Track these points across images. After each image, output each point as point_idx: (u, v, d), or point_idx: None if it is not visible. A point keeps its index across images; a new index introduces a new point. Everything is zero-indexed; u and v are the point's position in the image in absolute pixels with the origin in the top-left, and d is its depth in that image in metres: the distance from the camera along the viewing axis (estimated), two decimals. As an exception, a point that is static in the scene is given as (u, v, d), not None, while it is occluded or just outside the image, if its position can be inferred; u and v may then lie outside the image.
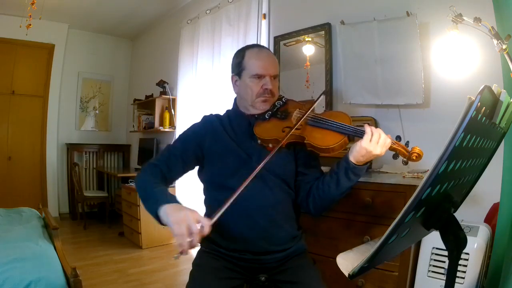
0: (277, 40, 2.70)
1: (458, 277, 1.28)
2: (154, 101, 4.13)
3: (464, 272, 1.34)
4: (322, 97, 1.33)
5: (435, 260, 1.45)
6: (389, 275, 1.50)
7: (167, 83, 4.06)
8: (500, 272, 1.11)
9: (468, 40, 1.37)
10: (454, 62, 1.45)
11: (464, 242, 0.71)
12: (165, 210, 0.97)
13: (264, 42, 2.81)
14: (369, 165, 1.17)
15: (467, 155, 0.67)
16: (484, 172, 0.90)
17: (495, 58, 1.35)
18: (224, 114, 1.35)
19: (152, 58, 4.71)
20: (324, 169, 1.29)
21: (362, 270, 0.70)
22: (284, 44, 2.67)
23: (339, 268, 0.81)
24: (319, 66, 2.42)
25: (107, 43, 5.12)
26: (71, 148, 4.73)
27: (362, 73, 2.08)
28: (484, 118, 0.64)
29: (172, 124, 3.97)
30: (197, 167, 1.30)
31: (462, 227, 0.72)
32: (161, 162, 1.20)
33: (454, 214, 0.74)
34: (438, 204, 0.70)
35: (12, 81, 4.33)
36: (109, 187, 4.88)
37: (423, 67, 1.82)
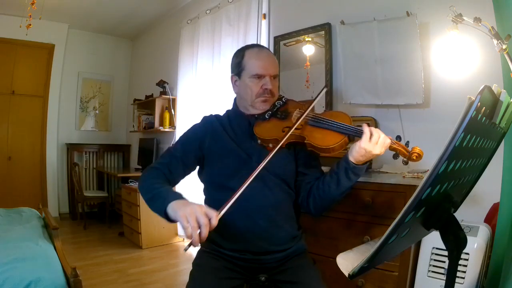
0: (277, 40, 2.70)
1: (458, 277, 1.28)
2: (154, 101, 4.13)
3: (464, 272, 1.34)
4: (323, 94, 1.32)
5: (435, 260, 1.45)
6: (389, 275, 1.50)
7: (167, 83, 4.06)
8: (500, 272, 1.11)
9: (468, 40, 1.37)
10: (454, 62, 1.45)
11: (464, 242, 0.71)
12: (173, 206, 0.98)
13: (264, 42, 2.81)
14: (369, 165, 1.17)
15: (467, 155, 0.67)
16: (484, 172, 0.90)
17: (495, 58, 1.35)
18: (224, 114, 1.35)
19: (152, 58, 4.71)
20: (324, 169, 1.30)
21: (362, 270, 0.70)
22: (284, 44, 2.67)
23: (339, 268, 0.81)
24: (319, 66, 2.42)
25: (107, 43, 5.12)
26: (71, 148, 4.73)
27: (362, 73, 2.09)
28: (484, 118, 0.64)
29: (172, 124, 3.97)
30: (198, 168, 1.31)
31: (462, 227, 0.72)
32: (162, 165, 1.21)
33: (454, 214, 0.74)
34: (438, 204, 0.70)
35: (12, 81, 4.33)
36: (109, 187, 4.88)
37: (423, 67, 1.82)
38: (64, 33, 4.59)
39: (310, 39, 2.49)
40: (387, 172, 1.83)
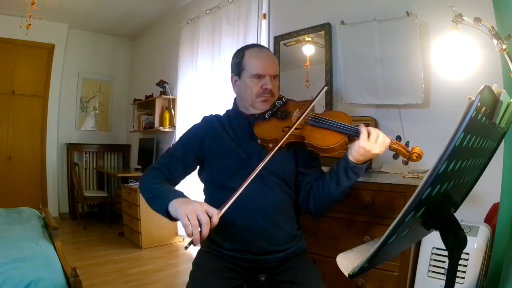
0: (277, 40, 2.70)
1: (458, 277, 1.28)
2: (154, 101, 4.13)
3: (464, 272, 1.34)
4: (323, 93, 1.32)
5: (435, 260, 1.45)
6: (389, 275, 1.50)
7: (167, 83, 4.06)
8: (500, 272, 1.11)
9: (468, 40, 1.37)
10: (454, 62, 1.45)
11: (464, 242, 0.71)
12: (174, 205, 0.98)
13: (264, 42, 2.81)
14: (368, 165, 1.17)
15: (467, 155, 0.67)
16: (484, 172, 0.90)
17: (495, 58, 1.35)
18: (224, 114, 1.35)
19: (152, 58, 4.71)
20: (324, 169, 1.30)
21: (362, 270, 0.70)
22: (284, 44, 2.67)
23: (339, 268, 0.81)
24: (319, 66, 2.42)
25: (107, 43, 5.13)
26: (71, 148, 4.73)
27: (362, 73, 2.09)
28: (484, 118, 0.64)
29: (172, 124, 3.97)
30: (198, 168, 1.31)
31: (462, 227, 0.72)
32: (163, 166, 1.21)
33: (454, 214, 0.74)
34: (438, 204, 0.70)
35: (12, 81, 4.33)
36: (109, 187, 4.88)
37: (423, 67, 1.82)
38: (64, 33, 4.59)
39: (310, 39, 2.49)
40: (387, 172, 1.83)
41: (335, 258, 0.86)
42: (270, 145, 1.17)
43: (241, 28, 2.93)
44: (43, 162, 4.55)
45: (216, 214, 0.93)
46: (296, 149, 1.26)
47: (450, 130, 0.58)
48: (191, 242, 0.92)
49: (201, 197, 1.31)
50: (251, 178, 1.03)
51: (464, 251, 1.02)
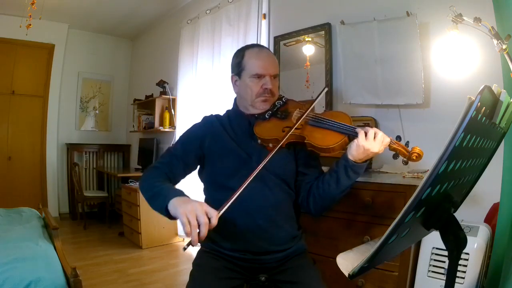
0: (277, 40, 2.70)
1: (458, 277, 1.28)
2: (154, 101, 4.13)
3: (464, 272, 1.34)
4: (323, 94, 1.32)
5: (435, 260, 1.45)
6: (389, 275, 1.50)
7: (167, 83, 4.06)
8: (500, 272, 1.11)
9: (468, 40, 1.37)
10: (454, 62, 1.45)
11: (464, 242, 0.71)
12: (174, 203, 0.98)
13: (264, 42, 2.81)
14: (368, 165, 1.17)
15: (467, 155, 0.67)
16: (484, 172, 0.90)
17: (495, 58, 1.35)
18: (224, 114, 1.35)
19: (152, 58, 4.71)
20: (324, 169, 1.29)
21: (362, 270, 0.70)
22: (284, 44, 2.67)
23: (339, 268, 0.81)
24: (319, 66, 2.42)
25: (107, 43, 5.13)
26: (71, 148, 4.73)
27: (362, 73, 2.09)
28: (484, 118, 0.64)
29: (172, 124, 3.97)
30: (198, 167, 1.31)
31: (462, 227, 0.72)
32: (163, 165, 1.21)
33: (454, 214, 0.74)
34: (438, 204, 0.70)
35: (12, 81, 4.33)
36: (109, 187, 4.88)
37: (423, 67, 1.82)
38: (64, 33, 4.59)
39: (310, 39, 2.49)
40: (387, 172, 1.83)
41: (335, 258, 0.86)
42: (270, 145, 1.17)
43: (241, 28, 2.93)
44: (43, 162, 4.55)
45: (215, 216, 0.93)
46: (296, 149, 1.26)
47: (450, 130, 0.58)
48: (189, 243, 0.92)
49: (201, 197, 1.31)
50: (251, 178, 1.03)
51: (464, 251, 1.02)
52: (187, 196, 1.03)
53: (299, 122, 1.16)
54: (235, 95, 1.35)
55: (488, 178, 1.05)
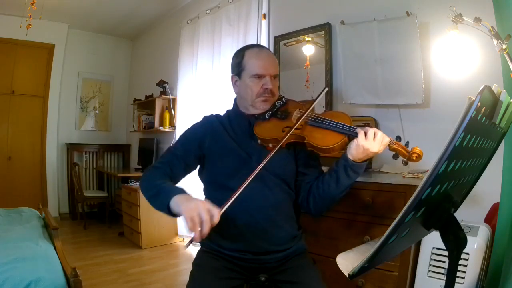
0: (277, 40, 2.70)
1: (458, 277, 1.28)
2: (154, 101, 4.13)
3: (464, 272, 1.34)
4: (323, 94, 1.32)
5: (435, 260, 1.45)
6: (389, 275, 1.50)
7: (167, 83, 4.06)
8: (500, 272, 1.11)
9: (468, 40, 1.37)
10: (454, 62, 1.45)
11: (464, 242, 0.71)
12: (176, 201, 0.99)
13: (264, 42, 2.81)
14: (368, 165, 1.17)
15: (467, 155, 0.67)
16: (484, 172, 0.90)
17: (495, 58, 1.35)
18: (224, 114, 1.35)
19: (152, 58, 4.71)
20: (324, 169, 1.30)
21: (362, 270, 0.70)
22: (284, 44, 2.67)
23: (339, 268, 0.81)
24: (319, 66, 2.42)
25: (107, 43, 5.12)
26: (71, 148, 4.73)
27: (362, 73, 2.09)
28: (484, 118, 0.64)
29: (172, 124, 3.97)
30: (198, 167, 1.31)
31: (462, 227, 0.72)
32: (163, 164, 1.21)
33: (454, 214, 0.74)
34: (438, 204, 0.70)
35: (12, 81, 4.33)
36: (109, 187, 4.88)
37: (423, 67, 1.82)
38: (64, 33, 4.59)
39: (310, 39, 2.49)
40: (387, 172, 1.83)
41: (335, 258, 0.86)
42: (270, 145, 1.17)
43: (241, 28, 2.93)
44: (43, 162, 4.55)
45: (217, 213, 0.94)
46: (296, 149, 1.26)
47: (450, 130, 0.58)
48: (191, 241, 0.92)
49: (201, 197, 1.31)
50: (252, 177, 1.03)
51: (464, 251, 1.02)
52: (189, 194, 1.04)
53: (299, 122, 1.16)
54: (235, 95, 1.35)
55: (488, 178, 1.05)
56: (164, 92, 4.07)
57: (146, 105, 4.45)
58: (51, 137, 4.59)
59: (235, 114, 1.32)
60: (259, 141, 1.19)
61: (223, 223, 0.97)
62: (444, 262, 1.41)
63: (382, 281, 1.52)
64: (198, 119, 1.35)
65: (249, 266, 1.20)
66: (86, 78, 4.95)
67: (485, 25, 1.18)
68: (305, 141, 1.15)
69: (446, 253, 0.74)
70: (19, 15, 3.33)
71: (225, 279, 1.15)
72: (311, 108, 1.20)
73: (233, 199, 0.99)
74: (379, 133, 1.07)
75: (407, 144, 1.11)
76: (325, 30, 2.37)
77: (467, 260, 1.34)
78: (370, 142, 1.05)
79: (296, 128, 1.16)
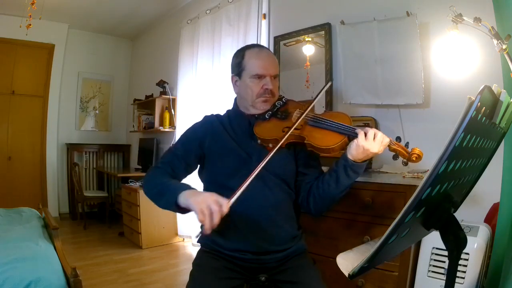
0: (277, 40, 2.70)
1: (458, 277, 1.28)
2: (154, 101, 4.13)
3: (464, 272, 1.34)
4: (323, 93, 1.33)
5: (435, 260, 1.45)
6: (389, 275, 1.50)
7: (167, 83, 4.06)
8: (500, 272, 1.11)
9: (468, 40, 1.37)
10: (454, 62, 1.45)
11: (464, 242, 0.71)
12: (184, 196, 1.02)
13: (264, 42, 2.81)
14: (368, 165, 1.17)
15: (467, 155, 0.67)
16: (484, 172, 0.90)
17: (495, 58, 1.35)
18: (224, 114, 1.35)
19: (152, 58, 4.71)
20: (324, 169, 1.30)
21: (362, 270, 0.70)
22: (284, 44, 2.67)
23: (339, 268, 0.81)
24: (319, 66, 2.42)
25: (107, 43, 5.12)
26: (71, 148, 4.73)
27: (362, 73, 2.09)
28: (484, 118, 0.64)
29: (172, 124, 3.97)
30: (198, 167, 1.31)
31: (462, 227, 0.72)
32: (165, 165, 1.22)
33: (454, 214, 0.74)
34: (438, 204, 0.70)
35: (12, 81, 4.33)
36: (109, 187, 4.88)
37: (423, 67, 1.82)
38: (64, 33, 4.58)
39: (310, 39, 2.49)
40: (387, 172, 1.83)
41: (335, 258, 0.86)
42: (270, 145, 1.17)
43: (241, 28, 2.93)
44: (43, 162, 4.55)
45: (226, 204, 0.95)
46: (296, 149, 1.26)
47: (450, 130, 0.58)
48: (201, 232, 0.95)
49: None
50: (257, 171, 1.04)
51: (464, 251, 1.02)
52: (195, 189, 1.06)
53: (299, 122, 1.16)
54: (235, 95, 1.35)
55: (488, 178, 1.05)
56: (164, 92, 4.07)
57: (146, 105, 4.45)
58: (51, 137, 4.59)
59: (235, 114, 1.32)
60: (259, 141, 1.19)
61: (224, 222, 0.97)
62: (444, 262, 1.41)
63: (382, 281, 1.52)
64: (198, 119, 1.35)
65: (249, 266, 1.20)
66: (86, 78, 4.95)
67: (485, 25, 1.18)
68: (305, 141, 1.15)
69: (446, 253, 0.74)
70: (19, 15, 3.33)
71: (225, 279, 1.15)
72: (314, 102, 1.20)
73: (241, 190, 1.00)
74: (379, 134, 1.07)
75: (407, 144, 1.11)
76: (325, 30, 2.37)
77: (467, 260, 1.34)
78: (370, 143, 1.05)
79: (296, 128, 1.16)
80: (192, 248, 3.45)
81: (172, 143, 3.86)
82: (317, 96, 1.24)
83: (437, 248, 1.44)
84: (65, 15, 4.26)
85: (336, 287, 1.43)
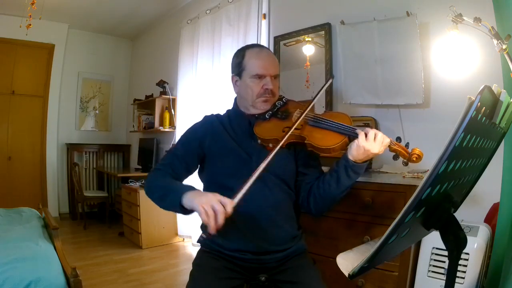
0: (277, 40, 2.70)
1: (458, 277, 1.28)
2: (154, 101, 4.13)
3: (464, 272, 1.34)
4: (323, 92, 1.33)
5: (435, 260, 1.45)
6: (389, 275, 1.50)
7: (167, 83, 4.06)
8: (500, 272, 1.11)
9: (468, 40, 1.37)
10: (454, 62, 1.45)
11: (464, 242, 0.71)
12: (188, 197, 1.02)
13: (264, 42, 2.81)
14: (368, 164, 1.17)
15: (467, 155, 0.67)
16: (484, 172, 0.90)
17: (495, 58, 1.35)
18: (224, 114, 1.35)
19: (152, 58, 4.71)
20: (325, 169, 1.30)
21: (362, 270, 0.70)
22: (284, 44, 2.67)
23: (339, 268, 0.81)
24: (319, 66, 2.42)
25: (107, 43, 5.12)
26: (71, 148, 4.73)
27: (362, 73, 2.08)
28: (484, 118, 0.64)
29: (172, 124, 3.97)
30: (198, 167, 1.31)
31: (462, 227, 0.72)
32: (165, 166, 1.22)
33: (454, 214, 0.74)
34: (438, 204, 0.70)
35: (12, 81, 4.33)
36: (109, 187, 4.88)
37: (423, 67, 1.82)
38: (64, 33, 4.58)
39: (310, 39, 2.49)
40: (387, 172, 1.83)
41: (335, 258, 0.86)
42: (270, 145, 1.17)
43: (241, 28, 2.93)
44: (43, 162, 4.55)
45: (230, 204, 0.96)
46: (296, 149, 1.26)
47: (450, 130, 0.58)
48: (206, 233, 0.95)
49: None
50: (260, 169, 1.04)
51: (464, 251, 1.02)
52: (198, 189, 1.07)
53: (299, 121, 1.16)
54: (235, 95, 1.35)
55: (488, 178, 1.05)
56: (164, 92, 4.07)
57: (146, 105, 4.45)
58: (51, 137, 4.59)
59: (235, 114, 1.32)
60: (259, 141, 1.19)
61: (233, 217, 0.98)
62: (444, 262, 1.41)
63: (382, 281, 1.52)
64: (198, 119, 1.35)
65: (249, 266, 1.20)
66: (86, 78, 4.95)
67: (485, 25, 1.18)
68: (305, 141, 1.15)
69: (446, 253, 0.74)
70: (19, 15, 3.33)
71: (225, 279, 1.15)
72: (313, 103, 1.20)
73: (244, 190, 1.00)
74: (379, 134, 1.07)
75: (407, 145, 1.11)
76: (325, 30, 2.37)
77: (467, 260, 1.34)
78: (370, 143, 1.05)
79: (296, 128, 1.16)
80: (192, 248, 3.45)
81: (172, 143, 3.87)
82: (318, 92, 1.24)
83: (437, 248, 1.44)
84: (65, 15, 4.26)
85: (336, 287, 1.43)
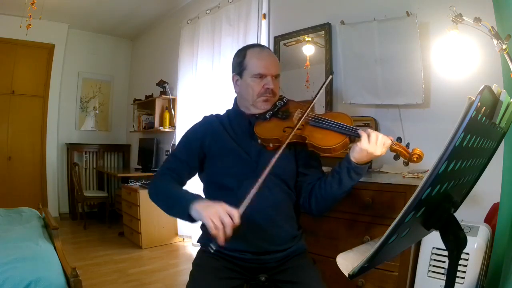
0: (277, 40, 2.70)
1: (458, 277, 1.28)
2: (154, 101, 4.13)
3: (464, 272, 1.34)
4: (323, 91, 1.33)
5: (435, 260, 1.45)
6: (389, 275, 1.50)
7: (167, 83, 4.06)
8: (500, 272, 1.11)
9: (468, 40, 1.37)
10: (454, 62, 1.45)
11: (464, 242, 0.71)
12: (196, 209, 1.02)
13: (264, 42, 2.81)
14: (369, 165, 1.17)
15: (467, 155, 0.67)
16: (484, 172, 0.90)
17: (495, 58, 1.35)
18: (224, 113, 1.35)
19: (152, 58, 4.71)
20: (326, 169, 1.30)
21: (362, 270, 0.70)
22: (284, 44, 2.67)
23: (339, 268, 0.81)
24: (319, 66, 2.42)
25: (107, 43, 5.12)
26: (71, 148, 4.73)
27: (362, 73, 2.09)
28: (484, 118, 0.64)
29: (172, 124, 3.97)
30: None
31: (462, 227, 0.72)
32: (169, 170, 1.23)
33: (454, 214, 0.74)
34: (438, 204, 0.70)
35: (12, 81, 4.33)
36: (109, 187, 4.88)
37: (423, 67, 1.82)
38: (64, 33, 4.58)
39: (310, 39, 2.49)
40: (387, 172, 1.83)
41: (335, 258, 0.86)
42: (271, 145, 1.17)
43: (241, 28, 2.93)
44: (43, 162, 4.55)
45: (237, 215, 0.96)
46: (296, 150, 1.26)
47: (450, 130, 0.58)
48: (216, 244, 0.95)
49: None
50: (264, 176, 1.03)
51: (464, 251, 1.02)
52: (205, 199, 1.08)
53: (300, 121, 1.16)
54: (235, 95, 1.35)
55: (488, 178, 1.05)
56: (164, 92, 4.07)
57: (146, 105, 4.45)
58: (51, 137, 4.59)
59: (235, 113, 1.32)
60: (259, 140, 1.19)
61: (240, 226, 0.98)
62: (444, 262, 1.41)
63: (382, 281, 1.52)
64: (198, 119, 1.35)
65: (249, 266, 1.20)
66: (86, 78, 4.95)
67: (485, 25, 1.18)
68: (306, 141, 1.15)
69: (446, 253, 0.74)
70: (19, 15, 3.33)
71: (225, 279, 1.15)
72: (313, 102, 1.20)
73: (250, 199, 1.00)
74: (381, 136, 1.07)
75: (407, 145, 1.11)
76: (325, 30, 2.37)
77: (467, 260, 1.34)
78: (373, 146, 1.05)
79: (297, 128, 1.16)
80: (192, 248, 3.45)
81: (172, 143, 3.87)
82: (319, 90, 1.23)
83: (437, 248, 1.44)
84: (65, 15, 4.26)
85: (336, 287, 1.43)
